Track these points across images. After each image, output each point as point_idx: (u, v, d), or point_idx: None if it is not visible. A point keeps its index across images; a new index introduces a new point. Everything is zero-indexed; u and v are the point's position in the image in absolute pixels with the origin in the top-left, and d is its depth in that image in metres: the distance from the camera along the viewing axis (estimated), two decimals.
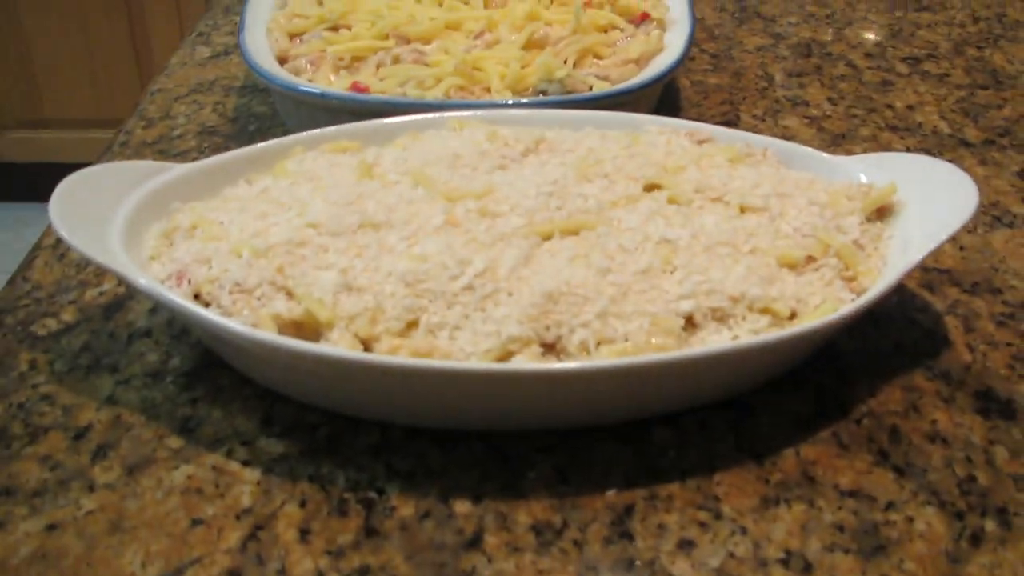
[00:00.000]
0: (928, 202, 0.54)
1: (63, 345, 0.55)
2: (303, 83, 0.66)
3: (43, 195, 0.52)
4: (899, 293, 0.59)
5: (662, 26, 0.76)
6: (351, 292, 0.48)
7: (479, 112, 0.63)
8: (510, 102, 0.65)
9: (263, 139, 0.71)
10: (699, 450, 0.49)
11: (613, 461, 0.48)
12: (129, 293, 0.59)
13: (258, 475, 0.47)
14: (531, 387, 0.46)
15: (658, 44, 0.73)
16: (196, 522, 0.45)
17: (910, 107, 0.80)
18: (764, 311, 0.49)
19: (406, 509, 0.46)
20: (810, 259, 0.52)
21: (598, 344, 0.47)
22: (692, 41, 0.72)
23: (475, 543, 0.44)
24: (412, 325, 0.48)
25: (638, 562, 0.44)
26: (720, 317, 0.49)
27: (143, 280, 0.48)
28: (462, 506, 0.46)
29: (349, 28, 0.74)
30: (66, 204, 0.52)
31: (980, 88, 0.83)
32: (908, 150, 0.74)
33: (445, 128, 0.62)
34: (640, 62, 0.71)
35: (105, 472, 0.48)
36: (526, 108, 0.64)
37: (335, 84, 0.68)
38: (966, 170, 0.57)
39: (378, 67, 0.70)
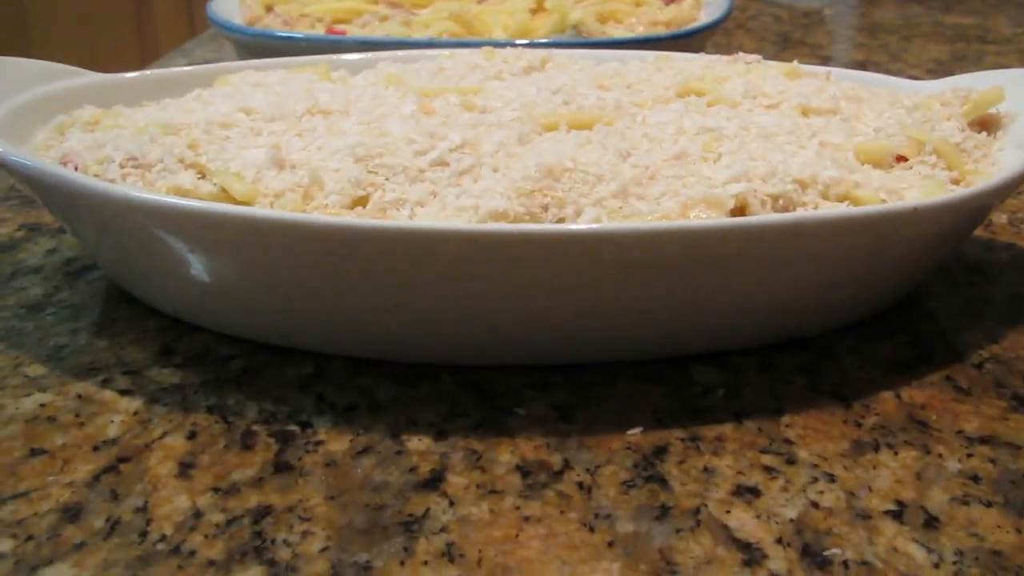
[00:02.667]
0: None
1: None
2: (272, 30, 0.56)
3: None
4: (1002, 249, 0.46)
5: (697, 4, 0.65)
6: (281, 170, 0.36)
7: (479, 49, 0.52)
8: (519, 42, 0.53)
9: None
10: (758, 390, 0.35)
11: (638, 399, 0.34)
12: (28, 236, 0.47)
13: (138, 404, 0.34)
14: (523, 267, 0.32)
15: (691, 14, 0.62)
16: (36, 452, 0.31)
17: None
18: (843, 198, 0.36)
19: (337, 444, 0.32)
20: (900, 159, 0.39)
21: None
22: (731, 10, 0.62)
23: (432, 484, 0.30)
24: (359, 203, 0.35)
25: (675, 510, 0.29)
26: (784, 206, 0.35)
27: (0, 147, 0.36)
28: (418, 443, 0.32)
29: None
30: None
31: None
32: None
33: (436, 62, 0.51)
34: (671, 26, 0.60)
35: None
36: (538, 49, 0.53)
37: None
38: None
39: (363, 28, 0.60)
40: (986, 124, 0.43)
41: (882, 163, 0.38)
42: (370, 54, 0.51)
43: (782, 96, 0.43)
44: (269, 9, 0.65)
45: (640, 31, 0.58)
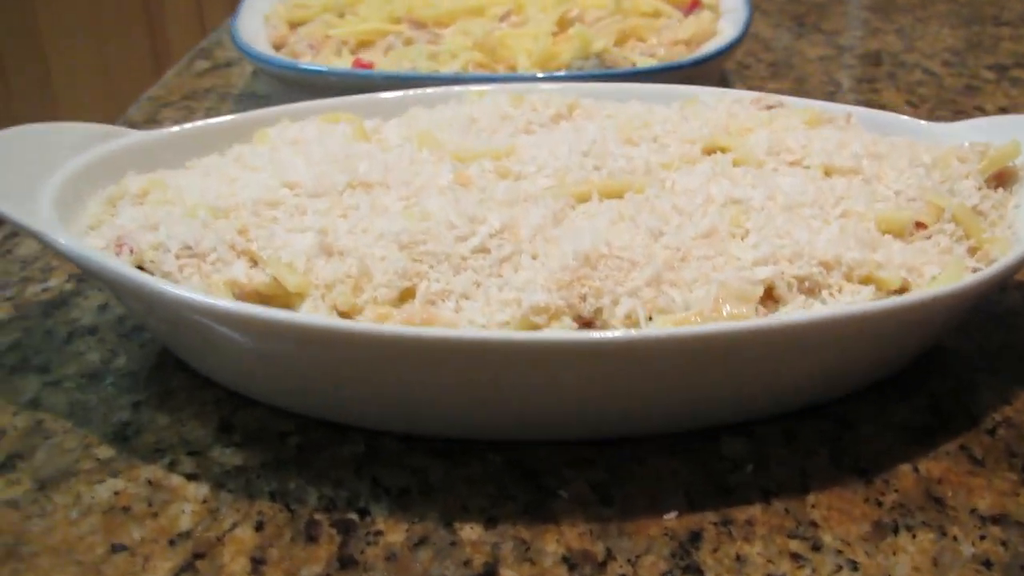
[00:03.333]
0: None
1: None
2: (299, 62, 0.57)
3: None
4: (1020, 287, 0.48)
5: (715, 12, 0.66)
6: (330, 257, 0.38)
7: (505, 85, 0.53)
8: (541, 75, 0.55)
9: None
10: (785, 466, 0.37)
11: (670, 478, 0.37)
12: (78, 289, 0.49)
13: (205, 491, 0.36)
14: (564, 368, 0.34)
15: (711, 27, 0.63)
16: (117, 548, 0.34)
17: (1003, 109, 0.69)
18: (866, 280, 0.38)
19: (395, 535, 0.34)
20: (920, 226, 0.41)
21: (650, 317, 0.36)
22: (749, 24, 0.62)
23: None
24: (407, 295, 0.37)
25: None
26: (809, 288, 0.37)
27: (63, 239, 0.38)
28: (471, 531, 0.34)
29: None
30: (9, 167, 0.42)
31: None
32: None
33: (463, 102, 0.52)
34: (691, 44, 0.61)
35: (10, 487, 0.37)
36: (560, 82, 0.54)
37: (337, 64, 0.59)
38: None
39: (387, 52, 0.61)
40: (1003, 177, 0.44)
41: (903, 232, 0.40)
42: (400, 93, 0.52)
43: (805, 151, 0.45)
44: (294, 27, 0.66)
45: (661, 54, 0.59)
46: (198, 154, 0.48)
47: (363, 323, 0.35)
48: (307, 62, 0.57)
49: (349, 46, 0.61)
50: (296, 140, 0.47)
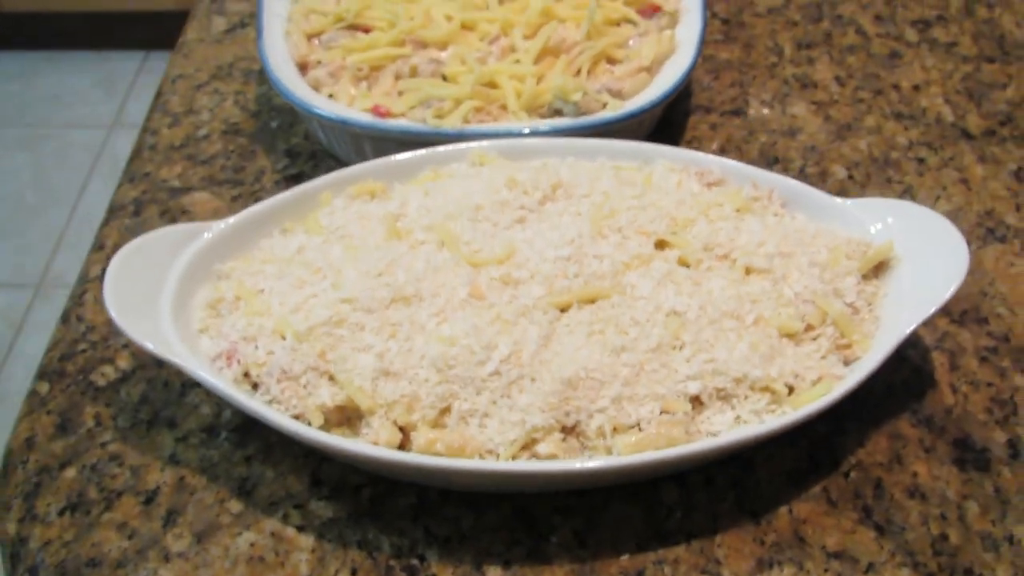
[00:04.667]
0: (922, 261, 0.58)
1: (123, 397, 0.60)
2: (327, 109, 0.69)
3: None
4: None
5: (674, 19, 0.77)
6: (388, 377, 0.53)
7: (497, 143, 0.66)
8: (526, 131, 0.67)
9: (284, 137, 0.75)
10: (703, 512, 0.55)
11: (625, 524, 0.54)
12: None
13: (312, 541, 0.54)
14: (553, 480, 0.51)
15: (669, 46, 0.74)
16: None
17: (916, 87, 0.81)
18: (764, 390, 0.54)
19: None
20: (809, 327, 0.56)
21: (614, 429, 0.52)
22: (700, 51, 0.73)
23: None
24: (445, 411, 0.53)
25: None
26: (724, 396, 0.53)
27: (202, 373, 0.53)
28: (494, 572, 0.52)
29: (366, 29, 0.75)
30: (118, 283, 0.56)
31: (987, 61, 0.84)
32: (910, 144, 0.76)
33: (466, 161, 0.65)
34: (652, 69, 0.72)
35: (177, 540, 0.54)
36: (541, 136, 0.67)
37: (356, 98, 0.70)
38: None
39: (396, 78, 0.72)
40: (878, 265, 0.59)
41: (796, 335, 0.56)
42: (414, 155, 0.65)
43: (732, 245, 0.59)
44: (311, 38, 0.76)
45: (626, 88, 0.70)
46: (263, 233, 0.61)
47: (419, 456, 0.51)
48: (334, 110, 0.68)
49: (363, 72, 0.72)
50: (343, 234, 0.60)
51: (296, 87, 0.70)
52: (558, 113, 0.70)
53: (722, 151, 0.76)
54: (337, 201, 0.63)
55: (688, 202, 0.62)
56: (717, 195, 0.62)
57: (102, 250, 0.69)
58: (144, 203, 0.72)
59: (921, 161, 0.75)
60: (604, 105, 0.69)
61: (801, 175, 0.74)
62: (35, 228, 2.30)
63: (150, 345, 0.53)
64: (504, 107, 0.70)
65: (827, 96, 0.81)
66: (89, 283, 0.67)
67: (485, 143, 0.66)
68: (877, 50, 0.85)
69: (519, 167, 0.64)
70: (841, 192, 0.72)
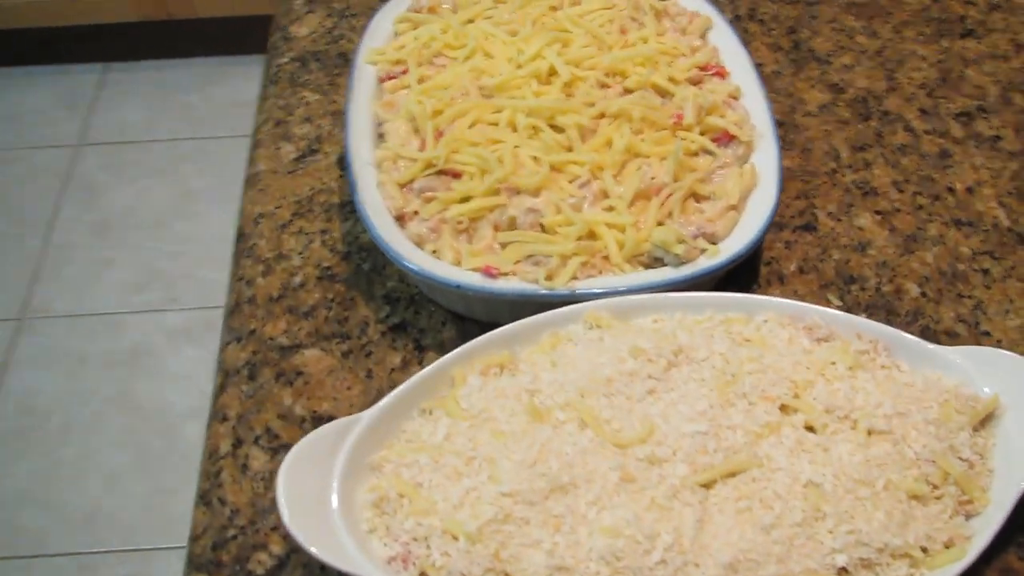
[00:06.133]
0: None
1: None
2: (444, 274, 0.72)
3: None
4: None
5: (750, 148, 0.80)
6: (562, 572, 0.57)
7: (609, 302, 0.69)
8: (635, 286, 0.71)
9: (379, 281, 0.78)
10: None
11: None
12: None
13: None
14: None
15: (752, 180, 0.78)
16: None
17: (969, 189, 0.86)
18: (904, 556, 0.59)
19: None
20: (933, 487, 0.61)
21: None
22: (782, 185, 0.77)
23: None
24: None
25: None
26: (868, 565, 0.58)
27: None
28: None
29: (456, 174, 0.78)
30: (289, 487, 0.59)
31: None
32: (973, 255, 0.81)
33: (581, 322, 0.69)
34: (739, 207, 0.76)
35: None
36: (648, 292, 0.71)
37: (462, 254, 0.73)
38: None
39: (495, 228, 0.75)
40: (985, 417, 0.64)
41: (923, 497, 0.61)
42: (534, 321, 0.68)
43: (851, 406, 0.63)
44: (403, 187, 0.78)
45: (719, 230, 0.74)
46: (404, 416, 0.65)
47: None
48: (448, 274, 0.71)
49: (463, 224, 0.75)
50: (487, 416, 0.64)
51: (410, 254, 0.73)
52: (658, 261, 0.73)
53: (800, 271, 0.80)
54: (472, 380, 0.66)
55: (803, 361, 0.66)
56: (829, 352, 0.67)
57: (226, 421, 0.72)
58: (257, 365, 0.75)
59: (986, 272, 0.80)
60: (702, 251, 0.73)
61: (877, 294, 0.78)
62: (9, 258, 2.27)
63: (331, 559, 0.57)
64: (606, 258, 0.73)
65: (889, 204, 0.85)
66: (222, 459, 0.70)
67: (598, 303, 0.69)
68: (927, 149, 0.90)
69: (637, 329, 0.68)
70: (917, 312, 0.77)
